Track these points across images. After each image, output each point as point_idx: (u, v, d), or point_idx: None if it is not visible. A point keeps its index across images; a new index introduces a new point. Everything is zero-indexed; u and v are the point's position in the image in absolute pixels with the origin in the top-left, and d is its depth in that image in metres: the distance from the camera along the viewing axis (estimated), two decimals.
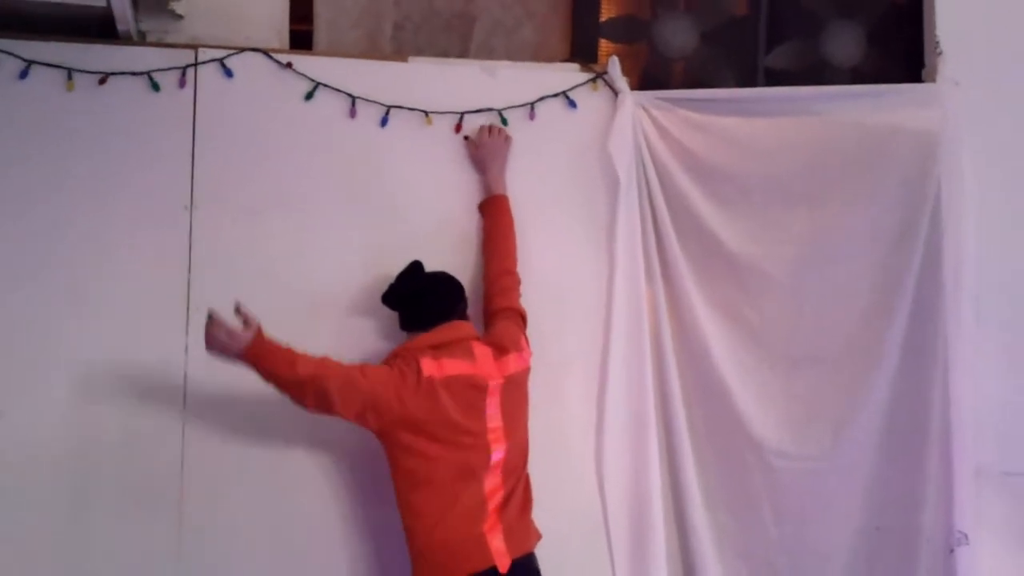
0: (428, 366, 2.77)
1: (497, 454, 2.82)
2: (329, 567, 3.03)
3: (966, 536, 3.21)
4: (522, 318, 3.06)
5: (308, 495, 3.04)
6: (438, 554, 2.72)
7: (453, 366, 2.80)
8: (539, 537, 2.88)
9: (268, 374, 2.69)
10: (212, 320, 2.66)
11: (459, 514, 2.74)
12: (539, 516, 2.91)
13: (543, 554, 2.86)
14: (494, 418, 2.83)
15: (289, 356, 2.68)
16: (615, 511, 3.17)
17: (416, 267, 2.98)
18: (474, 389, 2.82)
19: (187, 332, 3.02)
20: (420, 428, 2.74)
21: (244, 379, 2.98)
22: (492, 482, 2.80)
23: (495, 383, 2.85)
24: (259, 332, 2.66)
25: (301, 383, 2.67)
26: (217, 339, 2.66)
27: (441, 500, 2.74)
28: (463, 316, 2.97)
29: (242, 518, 3.01)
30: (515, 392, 2.91)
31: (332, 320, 3.07)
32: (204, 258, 3.06)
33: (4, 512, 2.92)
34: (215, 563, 2.99)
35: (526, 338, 3.02)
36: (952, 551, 3.22)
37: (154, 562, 2.96)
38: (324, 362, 2.72)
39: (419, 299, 2.93)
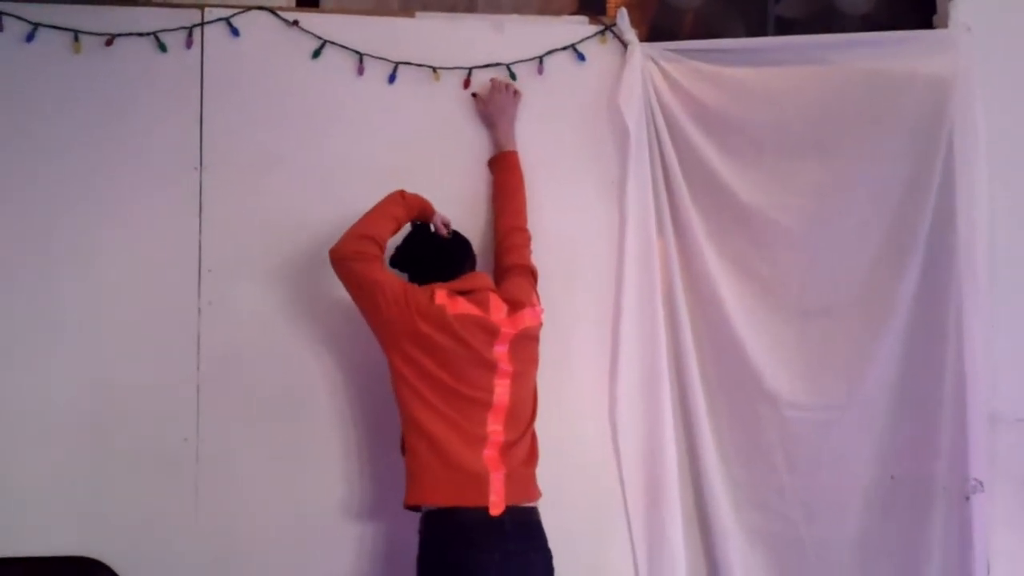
0: (441, 297, 2.77)
1: (500, 398, 2.80)
2: (343, 520, 3.05)
3: (981, 484, 3.20)
4: (533, 275, 3.05)
5: (323, 449, 3.06)
6: (439, 477, 2.71)
7: (467, 307, 2.80)
8: (540, 495, 2.86)
9: (387, 207, 2.87)
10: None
11: (461, 443, 2.73)
12: (553, 474, 2.90)
13: (557, 512, 2.86)
14: (503, 361, 2.82)
15: (392, 214, 2.87)
16: (629, 467, 3.17)
17: (423, 227, 2.98)
18: (485, 332, 2.81)
19: (199, 293, 3.04)
20: (426, 346, 2.74)
21: (257, 337, 3.01)
22: (494, 425, 2.78)
23: (507, 331, 2.84)
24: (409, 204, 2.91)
25: (367, 229, 2.82)
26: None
27: (443, 424, 2.73)
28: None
29: (258, 473, 3.04)
30: (526, 347, 2.91)
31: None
32: (215, 218, 3.07)
33: (23, 473, 2.96)
34: (232, 518, 3.02)
35: (537, 295, 3.01)
36: (967, 499, 3.21)
37: (172, 517, 2.99)
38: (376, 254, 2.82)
39: (434, 252, 2.94)
